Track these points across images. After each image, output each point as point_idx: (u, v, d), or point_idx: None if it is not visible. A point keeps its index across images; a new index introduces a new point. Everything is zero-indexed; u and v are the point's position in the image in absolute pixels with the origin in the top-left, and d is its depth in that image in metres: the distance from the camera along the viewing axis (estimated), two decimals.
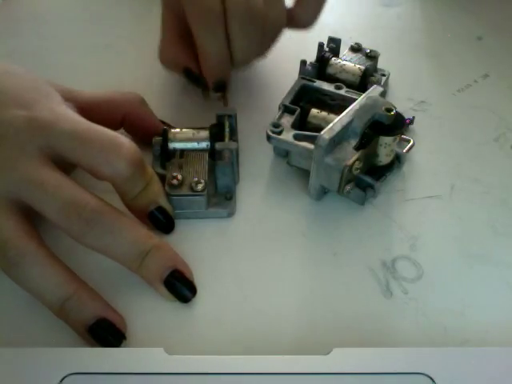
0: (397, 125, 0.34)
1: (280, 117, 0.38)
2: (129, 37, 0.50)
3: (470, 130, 0.42)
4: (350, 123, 0.34)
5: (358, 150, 0.34)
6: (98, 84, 0.42)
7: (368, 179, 0.35)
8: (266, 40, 0.39)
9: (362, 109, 0.34)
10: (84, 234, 0.29)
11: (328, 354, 0.27)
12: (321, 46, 0.42)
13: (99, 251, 0.30)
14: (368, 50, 0.43)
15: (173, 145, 0.36)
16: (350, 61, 0.42)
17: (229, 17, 0.35)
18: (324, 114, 0.38)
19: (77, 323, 0.29)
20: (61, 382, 0.26)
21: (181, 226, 0.35)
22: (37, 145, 0.30)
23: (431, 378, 0.26)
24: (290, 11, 0.40)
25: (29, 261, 0.28)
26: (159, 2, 0.41)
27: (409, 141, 0.38)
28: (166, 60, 0.41)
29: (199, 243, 0.34)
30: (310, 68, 0.41)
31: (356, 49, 0.44)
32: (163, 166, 0.36)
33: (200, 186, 0.34)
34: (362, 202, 0.36)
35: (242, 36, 0.37)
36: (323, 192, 0.37)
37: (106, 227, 0.29)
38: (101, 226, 0.29)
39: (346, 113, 0.34)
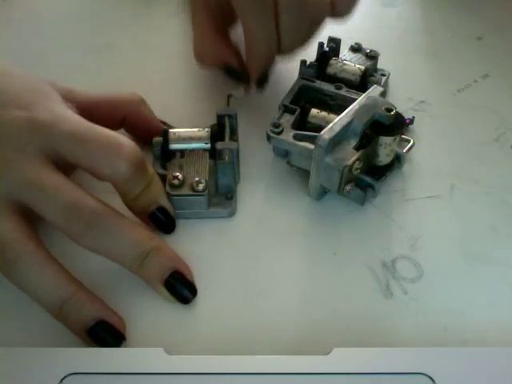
0: (397, 125, 0.34)
1: (280, 117, 0.38)
2: (129, 37, 0.50)
3: (470, 130, 0.42)
4: (350, 123, 0.34)
5: (358, 149, 0.34)
6: (97, 84, 0.42)
7: (368, 179, 0.35)
8: (311, 28, 0.39)
9: (362, 109, 0.34)
10: (84, 236, 0.29)
11: (328, 354, 0.27)
12: (321, 46, 0.42)
13: (99, 253, 0.30)
14: (368, 50, 0.43)
15: (173, 145, 0.36)
16: (349, 61, 0.42)
17: (279, 4, 0.35)
18: (324, 113, 0.38)
19: (76, 325, 0.29)
20: (61, 382, 0.26)
21: (181, 226, 0.35)
22: (37, 146, 0.30)
23: (431, 378, 0.26)
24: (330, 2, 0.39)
25: (27, 262, 0.28)
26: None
27: (409, 141, 0.38)
28: (202, 56, 0.40)
29: (200, 243, 0.34)
30: (309, 68, 0.41)
31: (356, 49, 0.44)
32: (164, 166, 0.36)
33: (201, 186, 0.34)
34: (361, 202, 0.36)
35: (291, 24, 0.36)
36: (323, 192, 0.37)
37: (106, 229, 0.29)
38: (100, 227, 0.29)
39: (346, 113, 0.34)
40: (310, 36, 0.39)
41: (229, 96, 0.41)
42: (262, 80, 0.39)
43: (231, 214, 0.36)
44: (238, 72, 0.39)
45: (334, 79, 0.41)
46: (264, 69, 0.38)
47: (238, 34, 0.40)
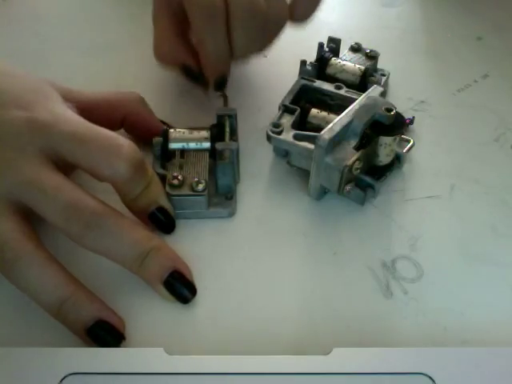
0: (397, 125, 0.34)
1: (280, 117, 0.38)
2: (129, 37, 0.50)
3: (470, 130, 0.42)
4: (350, 123, 0.34)
5: (358, 149, 0.34)
6: (97, 84, 0.42)
7: (368, 179, 0.35)
8: (267, 36, 0.39)
9: (362, 109, 0.34)
10: (83, 236, 0.29)
11: (328, 354, 0.27)
12: (321, 46, 0.42)
13: (99, 253, 0.30)
14: (368, 50, 0.43)
15: (173, 145, 0.36)
16: (349, 61, 0.42)
17: (231, 13, 0.35)
18: (324, 113, 0.38)
19: (75, 325, 0.29)
20: (61, 382, 0.26)
21: (181, 226, 0.35)
22: (37, 146, 0.30)
23: (431, 378, 0.26)
24: (289, 6, 0.39)
25: (26, 262, 0.28)
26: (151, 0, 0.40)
27: (409, 141, 0.38)
28: (161, 56, 0.40)
29: (200, 243, 0.34)
30: (309, 68, 0.41)
31: (356, 49, 0.44)
32: (164, 167, 0.36)
33: (201, 186, 0.34)
34: (361, 202, 0.36)
35: (243, 32, 0.37)
36: (323, 192, 0.37)
37: (106, 229, 0.29)
38: (100, 228, 0.29)
39: (346, 113, 0.34)
40: (266, 44, 0.39)
41: (223, 96, 0.41)
42: (220, 83, 0.39)
43: (231, 214, 0.36)
44: (196, 74, 0.39)
45: (333, 79, 0.41)
46: (219, 74, 0.39)
47: None
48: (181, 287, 0.31)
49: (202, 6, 0.35)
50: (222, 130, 0.37)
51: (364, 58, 0.43)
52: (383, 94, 0.37)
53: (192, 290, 0.31)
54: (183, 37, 0.39)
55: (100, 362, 0.27)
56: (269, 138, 0.37)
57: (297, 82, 0.40)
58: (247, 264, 0.33)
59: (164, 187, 0.34)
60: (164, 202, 0.34)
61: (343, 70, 0.41)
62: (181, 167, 0.36)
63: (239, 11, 0.35)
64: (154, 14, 0.40)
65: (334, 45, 0.43)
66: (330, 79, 0.41)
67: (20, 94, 0.32)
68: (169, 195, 0.34)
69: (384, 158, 0.36)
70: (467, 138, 0.41)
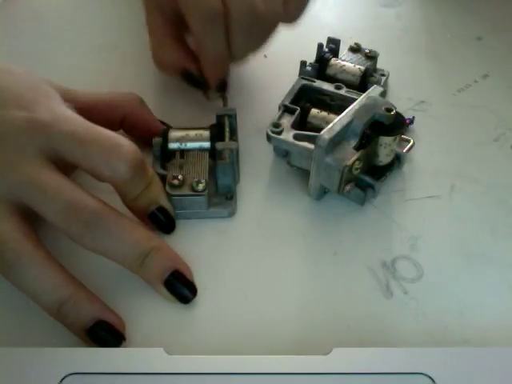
0: (397, 125, 0.34)
1: (280, 117, 0.38)
2: (129, 37, 0.50)
3: (470, 130, 0.42)
4: (350, 123, 0.34)
5: (358, 150, 0.34)
6: (97, 84, 0.42)
7: (368, 179, 0.35)
8: (263, 36, 0.39)
9: (362, 109, 0.34)
10: (83, 237, 0.29)
11: (328, 354, 0.27)
12: (320, 46, 0.42)
13: (99, 253, 0.30)
14: (367, 50, 0.43)
15: (173, 145, 0.36)
16: (349, 61, 0.42)
17: (230, 17, 0.35)
18: (324, 113, 0.38)
19: (75, 326, 0.29)
20: (61, 382, 0.26)
21: (181, 226, 0.35)
22: (37, 146, 0.30)
23: (431, 378, 0.26)
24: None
25: (26, 262, 0.28)
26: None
27: (409, 141, 0.38)
28: (161, 62, 0.41)
29: (200, 243, 0.34)
30: (309, 69, 0.41)
31: (355, 49, 0.44)
32: (164, 167, 0.36)
33: (201, 186, 0.34)
34: (361, 202, 0.36)
35: (243, 35, 0.37)
36: (323, 192, 0.37)
37: (106, 229, 0.29)
38: (100, 228, 0.29)
39: (346, 113, 0.34)
40: (262, 43, 0.39)
41: (223, 96, 0.41)
42: (221, 86, 0.40)
43: (231, 214, 0.36)
44: (197, 78, 0.40)
45: (334, 80, 0.41)
46: (220, 77, 0.39)
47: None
48: (181, 287, 0.31)
49: (201, 10, 0.35)
50: (222, 130, 0.37)
51: (363, 58, 0.43)
52: (383, 94, 0.37)
53: (192, 290, 0.31)
54: (180, 41, 0.39)
55: (100, 362, 0.27)
56: (269, 138, 0.37)
57: (297, 81, 0.40)
58: (247, 264, 0.33)
59: (164, 187, 0.34)
60: (164, 202, 0.34)
61: (343, 70, 0.41)
62: (181, 167, 0.36)
63: (239, 15, 0.35)
64: (147, 21, 0.40)
65: (334, 45, 0.43)
66: (330, 80, 0.41)
67: (20, 92, 0.32)
68: (169, 195, 0.34)
69: (384, 158, 0.36)
70: (467, 138, 0.41)
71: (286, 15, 0.39)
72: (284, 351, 0.29)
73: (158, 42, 0.40)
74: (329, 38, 0.43)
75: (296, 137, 0.36)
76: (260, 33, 0.38)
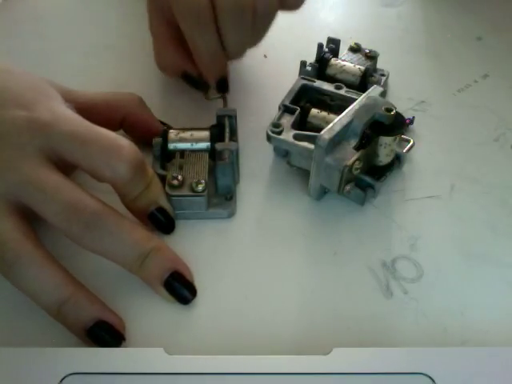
0: (397, 125, 0.34)
1: (280, 117, 0.38)
2: (129, 37, 0.50)
3: (470, 130, 0.42)
4: (350, 123, 0.34)
5: (358, 150, 0.34)
6: (97, 84, 0.42)
7: (368, 179, 0.35)
8: (258, 28, 0.38)
9: (362, 109, 0.34)
10: (83, 237, 0.29)
11: (328, 354, 0.27)
12: (320, 46, 0.42)
13: (99, 253, 0.30)
14: (367, 50, 0.43)
15: (173, 145, 0.36)
16: (349, 61, 0.42)
17: (218, 12, 0.35)
18: (324, 113, 0.38)
19: (75, 326, 0.29)
20: (61, 382, 0.26)
21: (181, 227, 0.35)
22: (37, 146, 0.30)
23: (431, 378, 0.26)
24: None
25: (25, 262, 0.28)
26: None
27: (409, 141, 0.38)
28: (163, 66, 0.41)
29: (199, 244, 0.34)
30: (309, 69, 0.41)
31: (355, 49, 0.44)
32: (163, 167, 0.36)
33: (200, 187, 0.34)
34: (361, 202, 0.36)
35: (234, 30, 0.36)
36: (323, 192, 0.37)
37: (106, 230, 0.29)
38: (100, 228, 0.29)
39: (346, 113, 0.34)
40: (258, 37, 0.39)
41: (223, 97, 0.41)
42: (222, 85, 0.40)
43: (231, 215, 0.36)
44: (197, 80, 0.40)
45: (334, 80, 0.41)
46: (218, 76, 0.39)
47: None
48: (181, 288, 0.31)
49: (187, 9, 0.35)
50: (222, 130, 0.37)
51: (363, 58, 0.43)
52: (383, 94, 0.37)
53: (192, 291, 0.31)
54: (181, 44, 0.39)
55: (100, 362, 0.27)
56: (269, 138, 0.37)
57: (297, 81, 0.40)
58: (247, 264, 0.33)
59: (164, 188, 0.34)
60: (164, 203, 0.34)
61: (343, 70, 0.41)
62: (180, 168, 0.36)
63: (227, 9, 0.35)
64: (150, 23, 0.41)
65: (334, 45, 0.43)
66: (330, 80, 0.41)
67: (20, 92, 0.32)
68: (168, 196, 0.34)
69: (384, 158, 0.36)
70: (467, 138, 0.41)
71: (287, 3, 0.38)
72: (284, 351, 0.29)
73: (159, 45, 0.40)
74: (329, 37, 0.43)
75: (296, 137, 0.36)
76: (253, 26, 0.37)
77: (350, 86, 0.40)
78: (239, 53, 0.39)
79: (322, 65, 0.41)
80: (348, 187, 0.34)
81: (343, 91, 0.39)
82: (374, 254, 0.34)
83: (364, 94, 0.36)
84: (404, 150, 0.38)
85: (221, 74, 0.39)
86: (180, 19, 0.36)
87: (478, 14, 0.53)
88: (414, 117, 0.41)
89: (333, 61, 0.42)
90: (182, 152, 0.36)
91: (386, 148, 0.35)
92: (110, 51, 0.48)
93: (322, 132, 0.33)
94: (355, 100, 0.35)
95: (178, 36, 0.38)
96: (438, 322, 0.31)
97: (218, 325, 0.31)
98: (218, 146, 0.35)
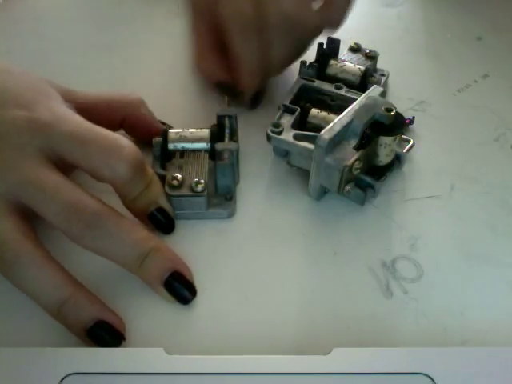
0: (397, 125, 0.34)
1: (280, 117, 0.38)
2: (129, 37, 0.50)
3: (470, 130, 0.42)
4: (350, 123, 0.34)
5: (358, 150, 0.34)
6: (97, 84, 0.42)
7: (368, 179, 0.35)
8: (301, 49, 0.39)
9: (362, 109, 0.34)
10: (83, 237, 0.29)
11: (328, 354, 0.27)
12: (320, 46, 0.42)
13: (98, 253, 0.30)
14: (367, 50, 0.44)
15: (173, 145, 0.36)
16: (349, 61, 0.42)
17: (266, 27, 0.35)
18: (324, 113, 0.38)
19: (75, 326, 0.29)
20: (61, 382, 0.26)
21: (181, 227, 0.35)
22: (37, 146, 0.30)
23: (431, 378, 0.26)
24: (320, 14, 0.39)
25: (25, 262, 0.28)
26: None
27: (409, 141, 0.38)
28: (203, 70, 0.41)
29: (199, 244, 0.34)
30: (309, 69, 0.41)
31: (355, 49, 0.44)
32: (163, 167, 0.36)
33: (200, 187, 0.34)
34: (361, 202, 0.36)
35: (280, 45, 0.37)
36: (323, 192, 0.37)
37: (106, 230, 0.29)
38: (100, 228, 0.29)
39: (346, 113, 0.34)
40: (301, 50, 0.40)
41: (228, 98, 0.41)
42: (256, 99, 0.40)
43: (231, 215, 0.36)
44: (232, 90, 0.40)
45: (334, 80, 0.41)
46: (255, 89, 0.39)
47: None
48: (181, 288, 0.31)
49: (235, 20, 0.35)
50: (222, 130, 0.37)
51: (363, 58, 0.43)
52: (383, 94, 0.37)
53: (192, 291, 0.31)
54: (220, 51, 0.39)
55: (100, 362, 0.27)
56: (269, 138, 0.37)
57: (297, 81, 0.40)
58: (247, 264, 0.33)
59: (163, 188, 0.34)
60: (163, 203, 0.34)
61: (343, 70, 0.41)
62: (180, 168, 0.36)
63: (276, 25, 0.35)
64: (192, 27, 0.41)
65: (334, 45, 0.43)
66: (330, 80, 0.41)
67: (20, 92, 0.32)
68: (168, 196, 0.34)
69: (384, 158, 0.36)
70: (467, 138, 0.41)
71: (328, 19, 0.39)
72: (284, 351, 0.29)
73: (200, 50, 0.40)
74: (329, 37, 0.43)
75: (296, 137, 0.36)
76: (297, 42, 0.37)
77: (350, 86, 0.40)
78: (280, 68, 0.39)
79: (322, 65, 0.41)
80: (348, 187, 0.34)
81: (343, 91, 0.39)
82: (373, 254, 0.34)
83: (364, 94, 0.36)
84: (404, 150, 0.38)
85: (258, 87, 0.39)
86: (227, 24, 0.36)
87: (478, 14, 0.53)
88: (413, 117, 0.41)
89: (333, 61, 0.42)
90: (182, 152, 0.36)
91: (386, 148, 0.35)
92: (109, 51, 0.48)
93: (322, 132, 0.33)
94: (355, 100, 0.35)
95: (218, 44, 0.38)
96: (437, 322, 0.31)
97: (218, 325, 0.31)
98: (218, 146, 0.35)
